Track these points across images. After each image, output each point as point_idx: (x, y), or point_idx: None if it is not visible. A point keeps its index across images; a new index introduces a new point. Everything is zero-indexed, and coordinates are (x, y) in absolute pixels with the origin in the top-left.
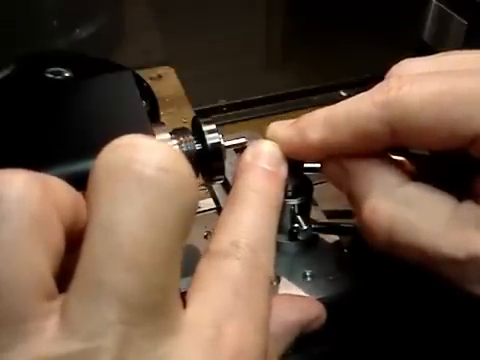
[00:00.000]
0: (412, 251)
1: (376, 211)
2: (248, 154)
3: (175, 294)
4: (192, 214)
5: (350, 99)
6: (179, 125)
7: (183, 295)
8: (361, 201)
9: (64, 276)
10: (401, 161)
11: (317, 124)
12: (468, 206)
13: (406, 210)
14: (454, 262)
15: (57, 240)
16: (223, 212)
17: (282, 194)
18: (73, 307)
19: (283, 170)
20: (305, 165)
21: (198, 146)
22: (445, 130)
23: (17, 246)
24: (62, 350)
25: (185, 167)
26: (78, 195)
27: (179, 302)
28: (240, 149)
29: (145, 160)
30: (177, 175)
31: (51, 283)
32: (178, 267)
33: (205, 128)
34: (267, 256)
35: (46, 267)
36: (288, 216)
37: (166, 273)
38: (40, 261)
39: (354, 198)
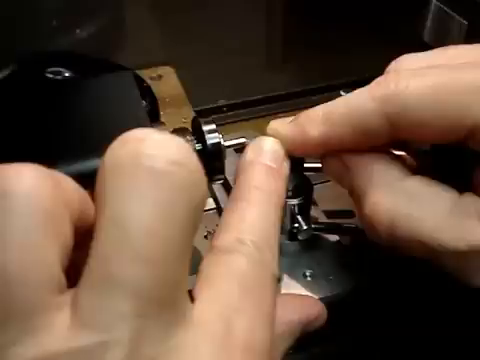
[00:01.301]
0: (414, 244)
1: (378, 205)
2: (250, 151)
3: (185, 288)
4: (202, 208)
5: (348, 94)
6: (179, 125)
7: (189, 293)
8: (362, 196)
9: (71, 272)
10: (401, 155)
11: (316, 120)
12: (469, 198)
13: (407, 203)
14: (456, 254)
15: (67, 236)
16: (226, 210)
17: (285, 191)
18: (85, 300)
19: (285, 167)
20: (305, 165)
21: (198, 146)
22: (444, 123)
23: (28, 241)
24: (75, 343)
25: (195, 161)
26: (84, 193)
27: (188, 297)
28: (240, 149)
29: (155, 154)
30: (188, 168)
31: (61, 278)
32: (188, 262)
33: (205, 128)
34: (271, 253)
35: (56, 262)
36: (288, 216)
37: (177, 266)
38: (50, 256)
39: (355, 193)
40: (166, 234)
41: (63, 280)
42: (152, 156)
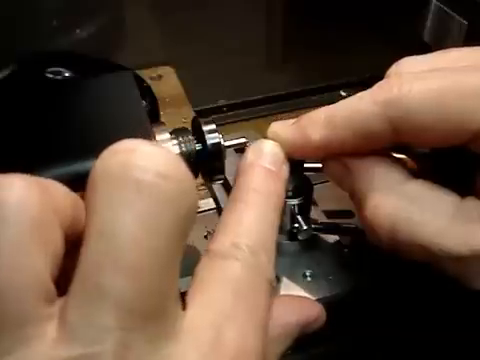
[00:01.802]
0: (415, 248)
1: (379, 208)
2: (250, 153)
3: (174, 297)
4: (191, 218)
5: (350, 98)
6: (179, 125)
7: (183, 295)
8: (364, 199)
9: (62, 280)
10: (403, 159)
11: (318, 123)
12: (471, 203)
13: (409, 207)
14: (458, 258)
15: (56, 244)
16: (224, 212)
17: (284, 194)
18: (72, 312)
19: (285, 170)
20: (305, 165)
21: (198, 146)
22: (447, 127)
23: (17, 250)
24: (61, 355)
25: (183, 172)
26: (77, 198)
27: (178, 305)
28: (240, 149)
29: (143, 166)
30: (175, 181)
31: (51, 287)
32: (177, 271)
33: (205, 128)
34: (268, 257)
35: (46, 271)
36: (288, 216)
37: (165, 278)
38: (40, 265)
39: (356, 196)
40: (153, 246)
41: (53, 290)
42: (141, 167)
